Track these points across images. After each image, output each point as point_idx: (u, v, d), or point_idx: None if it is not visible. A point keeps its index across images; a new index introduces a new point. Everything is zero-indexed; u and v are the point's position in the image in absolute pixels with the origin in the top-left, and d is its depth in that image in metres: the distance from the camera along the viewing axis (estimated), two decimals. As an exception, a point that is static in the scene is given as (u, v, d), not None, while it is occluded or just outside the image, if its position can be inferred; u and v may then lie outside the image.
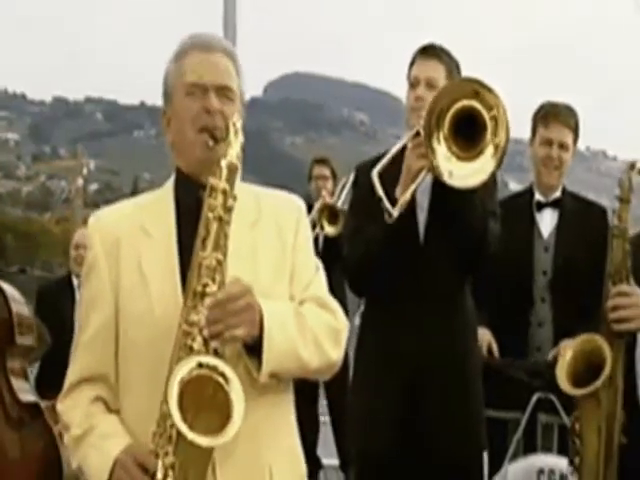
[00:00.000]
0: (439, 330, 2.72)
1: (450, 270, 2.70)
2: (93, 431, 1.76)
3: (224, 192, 1.70)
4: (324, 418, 5.40)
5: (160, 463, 1.61)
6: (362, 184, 2.92)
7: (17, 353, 3.34)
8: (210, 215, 1.69)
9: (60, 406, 1.85)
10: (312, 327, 1.79)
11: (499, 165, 2.60)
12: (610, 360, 2.50)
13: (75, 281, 5.13)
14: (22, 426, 3.15)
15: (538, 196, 3.47)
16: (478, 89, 2.57)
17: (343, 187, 5.07)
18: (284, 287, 1.84)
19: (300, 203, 1.99)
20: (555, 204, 3.46)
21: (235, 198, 1.72)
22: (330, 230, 5.11)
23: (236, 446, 1.68)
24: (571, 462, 2.69)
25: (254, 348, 1.71)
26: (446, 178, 2.57)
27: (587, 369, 2.59)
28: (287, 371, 1.77)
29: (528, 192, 3.49)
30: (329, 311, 1.85)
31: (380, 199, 2.58)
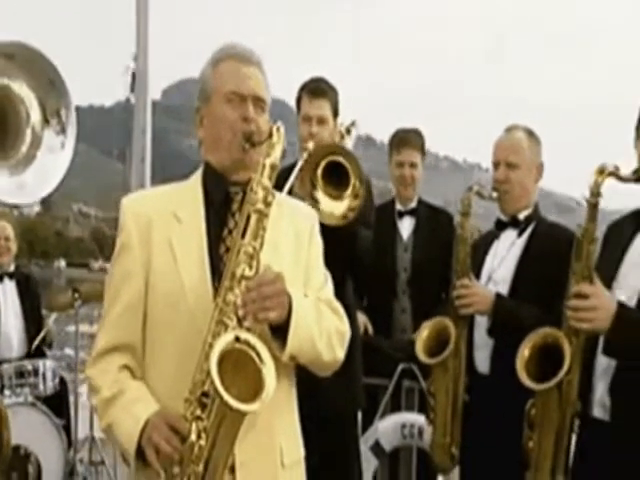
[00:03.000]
0: None
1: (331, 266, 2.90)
2: (123, 395, 1.71)
3: (265, 188, 1.69)
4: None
5: (194, 426, 1.58)
6: None
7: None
8: (251, 208, 1.68)
9: (90, 371, 1.79)
10: (327, 324, 1.78)
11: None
12: (455, 336, 2.82)
13: (-4, 269, 4.76)
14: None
15: (398, 206, 3.70)
16: (337, 149, 2.79)
17: None
18: (299, 285, 1.80)
19: (314, 213, 1.99)
20: (412, 212, 3.69)
21: (274, 195, 1.71)
22: None
23: (253, 425, 1.65)
24: (427, 416, 3.01)
25: (278, 330, 1.67)
26: (327, 220, 2.64)
27: (438, 344, 2.88)
28: (304, 356, 1.74)
29: (391, 203, 3.71)
30: (338, 315, 1.84)
31: None
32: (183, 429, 1.59)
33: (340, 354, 1.83)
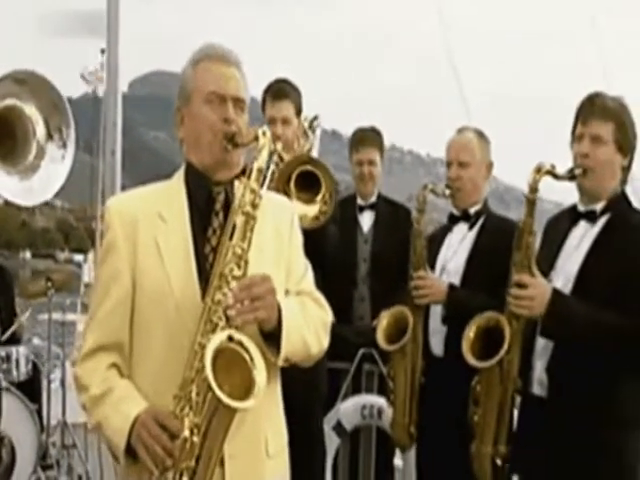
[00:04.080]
0: None
1: None
2: (112, 393, 1.70)
3: (253, 191, 1.69)
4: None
5: (186, 422, 1.57)
6: None
7: None
8: (239, 210, 1.68)
9: (78, 370, 1.77)
10: (312, 317, 1.79)
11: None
12: (412, 324, 2.97)
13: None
14: None
15: (359, 201, 3.80)
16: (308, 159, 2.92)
17: None
18: (282, 281, 1.79)
19: (293, 206, 2.01)
20: (372, 207, 3.78)
21: (261, 197, 1.71)
22: None
23: (242, 419, 1.64)
24: (387, 398, 3.16)
25: (270, 336, 1.68)
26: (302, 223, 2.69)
27: (397, 331, 3.03)
28: (297, 356, 1.75)
29: (352, 197, 3.81)
30: (320, 305, 1.86)
31: None
32: (172, 426, 1.58)
33: (325, 343, 1.85)
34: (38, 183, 3.34)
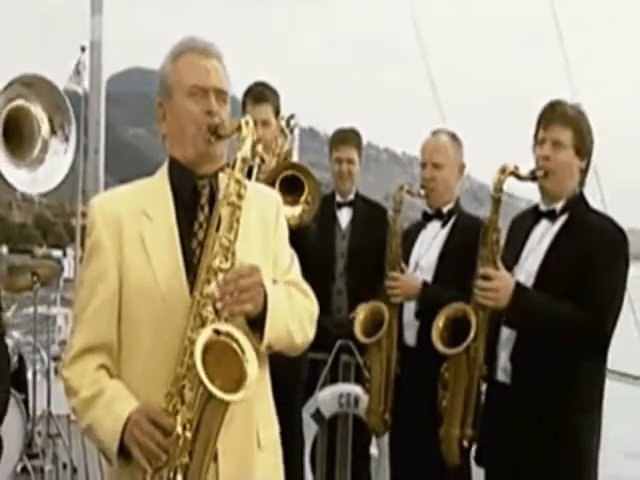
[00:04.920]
0: None
1: None
2: (103, 394, 1.66)
3: (238, 181, 1.66)
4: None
5: (179, 418, 1.54)
6: None
7: None
8: (225, 201, 1.65)
9: (66, 372, 1.72)
10: (299, 307, 1.77)
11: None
12: (388, 318, 3.08)
13: None
14: None
15: (338, 198, 3.89)
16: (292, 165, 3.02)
17: None
18: (269, 270, 1.76)
19: (278, 196, 1.94)
20: (350, 204, 3.88)
21: (246, 187, 1.68)
22: None
23: (235, 410, 1.61)
24: (363, 386, 3.29)
25: (254, 322, 1.66)
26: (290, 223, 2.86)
27: (374, 325, 3.14)
28: (280, 344, 1.73)
29: (331, 194, 3.90)
30: (306, 296, 1.84)
31: None
32: (164, 422, 1.56)
33: (311, 334, 1.83)
34: (43, 174, 3.73)
